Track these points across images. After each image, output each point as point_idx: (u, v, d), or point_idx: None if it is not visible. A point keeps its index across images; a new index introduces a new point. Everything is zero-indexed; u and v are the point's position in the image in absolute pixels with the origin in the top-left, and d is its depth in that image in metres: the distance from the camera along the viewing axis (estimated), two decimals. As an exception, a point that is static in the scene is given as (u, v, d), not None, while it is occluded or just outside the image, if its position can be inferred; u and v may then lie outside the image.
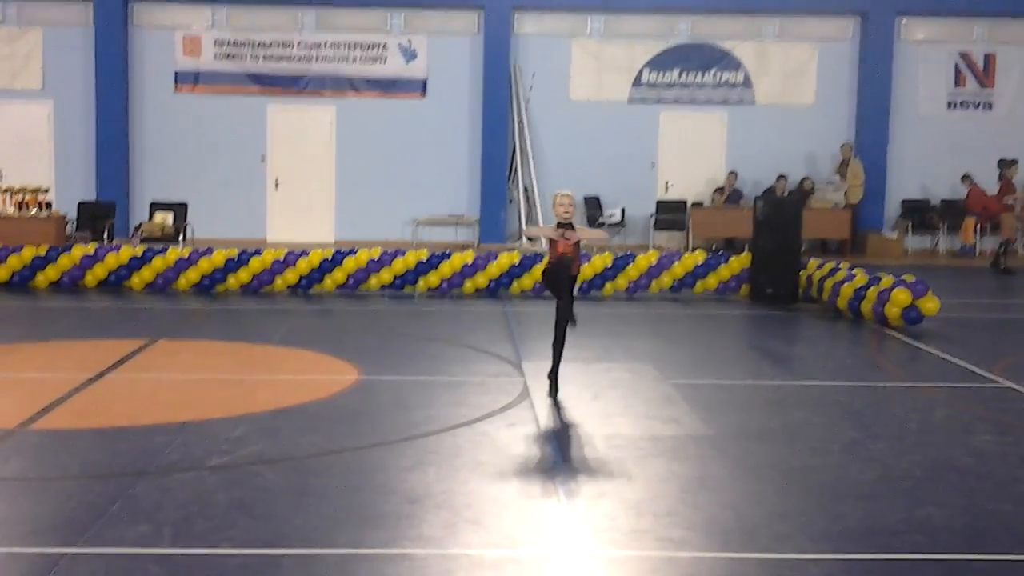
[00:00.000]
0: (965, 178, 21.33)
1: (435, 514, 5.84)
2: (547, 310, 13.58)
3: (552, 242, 8.70)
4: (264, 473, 6.54)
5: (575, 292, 9.01)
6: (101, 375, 9.27)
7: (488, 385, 9.11)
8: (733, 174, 21.71)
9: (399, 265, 14.66)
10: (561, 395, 8.63)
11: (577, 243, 8.71)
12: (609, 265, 14.79)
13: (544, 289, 9.02)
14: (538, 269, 14.64)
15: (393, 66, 22.08)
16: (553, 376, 8.72)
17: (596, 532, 5.66)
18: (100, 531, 5.49)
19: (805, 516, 5.94)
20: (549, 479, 6.51)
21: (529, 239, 20.44)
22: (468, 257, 14.84)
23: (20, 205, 17.19)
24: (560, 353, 8.68)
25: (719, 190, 21.71)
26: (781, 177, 21.45)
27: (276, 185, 22.19)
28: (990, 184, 20.91)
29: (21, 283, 14.73)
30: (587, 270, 14.48)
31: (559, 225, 8.71)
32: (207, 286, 14.64)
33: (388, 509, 5.90)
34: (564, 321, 8.58)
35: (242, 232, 21.50)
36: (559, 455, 7.01)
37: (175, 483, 6.33)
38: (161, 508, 5.84)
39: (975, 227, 21.28)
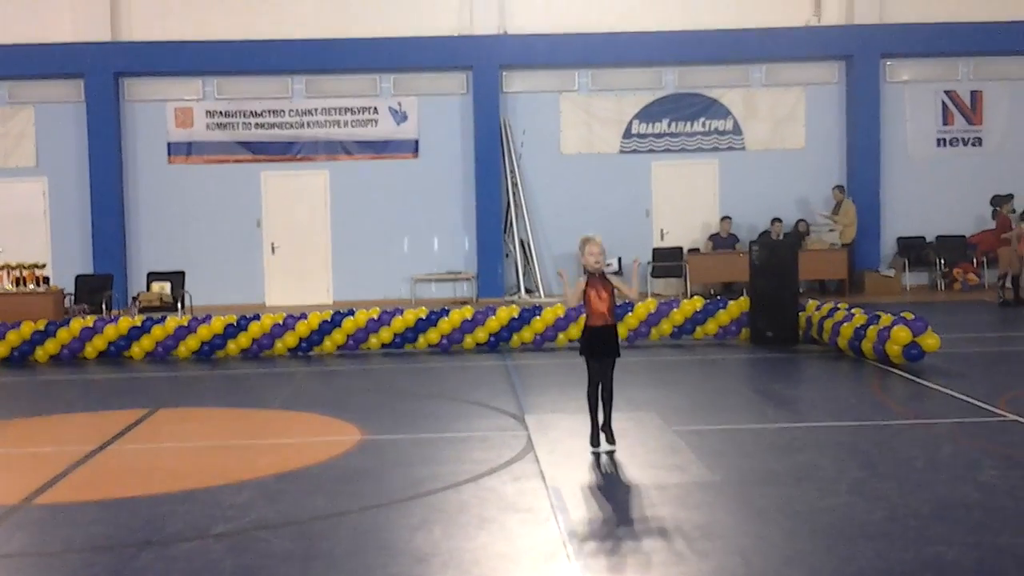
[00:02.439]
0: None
1: (443, 573, 5.79)
2: (548, 362, 13.63)
3: (587, 298, 8.33)
4: (269, 539, 6.49)
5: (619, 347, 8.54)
6: (103, 447, 9.23)
7: (492, 440, 9.07)
8: (727, 220, 21.79)
9: (398, 323, 14.66)
10: (565, 448, 8.59)
11: (612, 294, 8.37)
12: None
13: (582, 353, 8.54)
14: (538, 322, 14.67)
15: (384, 128, 22.25)
16: (606, 429, 8.50)
17: (605, 584, 5.61)
18: (105, 604, 5.45)
19: (814, 559, 5.89)
20: (556, 533, 6.46)
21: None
22: (467, 312, 14.85)
23: (18, 281, 17.21)
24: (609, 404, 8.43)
25: (712, 236, 21.77)
26: (776, 220, 21.53)
27: (272, 250, 22.26)
28: (985, 220, 20.99)
29: (21, 358, 14.72)
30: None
31: (590, 277, 8.38)
32: (207, 353, 14.63)
33: (396, 570, 5.85)
34: (606, 386, 8.37)
35: (240, 298, 21.55)
36: (565, 508, 6.96)
37: (180, 552, 6.28)
38: (166, 578, 5.80)
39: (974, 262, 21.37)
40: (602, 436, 8.45)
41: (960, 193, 22.23)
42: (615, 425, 8.54)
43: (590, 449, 8.45)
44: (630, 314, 14.82)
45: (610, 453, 8.38)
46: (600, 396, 8.43)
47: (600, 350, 8.44)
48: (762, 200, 22.11)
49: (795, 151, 22.59)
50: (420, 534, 6.47)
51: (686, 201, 22.46)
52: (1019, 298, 18.94)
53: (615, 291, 8.48)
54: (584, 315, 8.57)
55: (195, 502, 7.31)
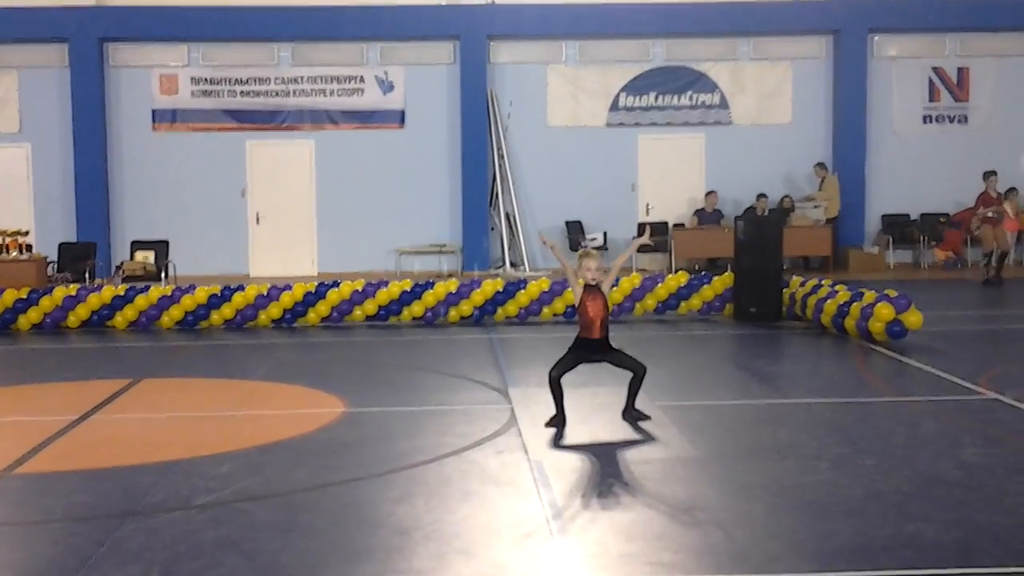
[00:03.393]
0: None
1: (425, 546, 5.80)
2: (533, 336, 13.64)
3: (582, 307, 8.43)
4: (251, 510, 6.49)
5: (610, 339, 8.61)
6: (85, 417, 9.21)
7: (475, 413, 9.08)
8: (713, 194, 21.78)
9: (383, 296, 14.63)
10: (547, 420, 8.60)
11: (606, 307, 8.46)
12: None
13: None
14: (523, 295, 14.66)
15: (371, 98, 22.14)
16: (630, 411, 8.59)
17: (587, 558, 5.63)
18: (87, 575, 5.44)
19: (795, 535, 5.93)
20: (538, 506, 6.48)
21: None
22: (452, 285, 14.83)
23: (0, 248, 17.10)
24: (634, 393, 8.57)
25: (698, 212, 21.78)
26: (761, 196, 21.54)
27: (257, 220, 22.18)
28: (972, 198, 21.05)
29: (3, 326, 14.65)
30: (570, 295, 14.45)
31: (587, 286, 8.48)
32: (191, 323, 14.59)
33: (377, 542, 5.87)
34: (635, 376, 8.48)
35: (224, 268, 21.48)
36: (547, 482, 6.98)
37: (162, 523, 6.27)
38: (148, 549, 5.79)
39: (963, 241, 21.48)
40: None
41: (946, 170, 22.27)
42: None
43: (553, 426, 8.43)
44: (615, 288, 14.82)
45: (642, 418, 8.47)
46: (630, 381, 8.51)
47: (591, 359, 8.55)
48: (748, 175, 22.11)
49: (782, 126, 22.58)
50: (402, 507, 6.48)
51: (672, 175, 22.45)
52: (999, 276, 19.00)
53: (606, 305, 8.50)
54: (578, 317, 8.60)
55: (177, 473, 7.31)
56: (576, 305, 8.54)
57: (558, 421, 8.45)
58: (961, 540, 5.80)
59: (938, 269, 21.53)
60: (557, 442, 8.07)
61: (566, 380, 8.47)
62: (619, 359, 8.57)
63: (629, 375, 8.49)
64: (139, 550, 5.77)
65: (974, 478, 6.98)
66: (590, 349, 8.53)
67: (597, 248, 21.10)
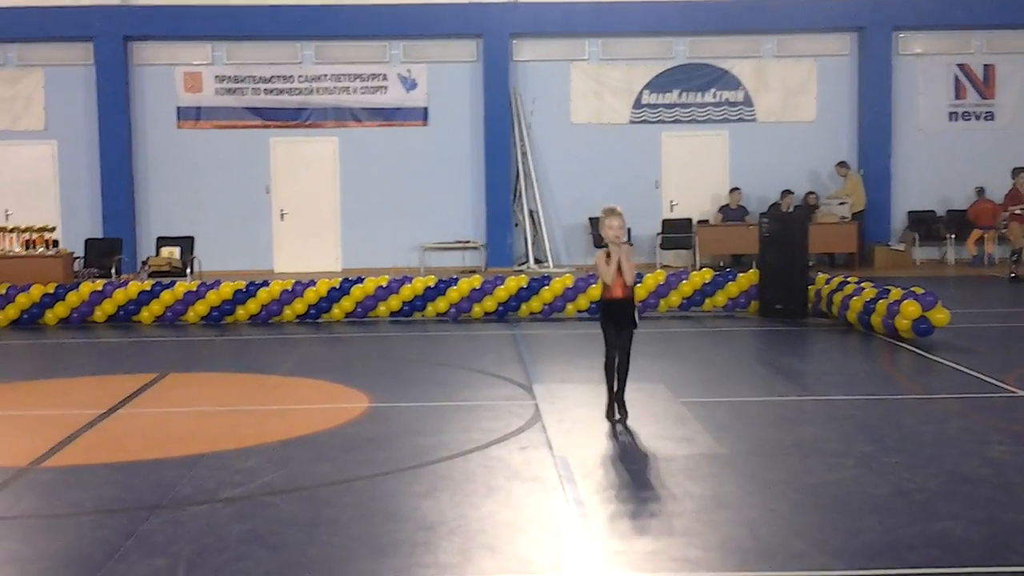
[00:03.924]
0: (980, 192, 21.43)
1: (449, 540, 5.81)
2: (556, 332, 13.63)
3: (601, 261, 8.35)
4: (277, 504, 6.52)
5: (637, 317, 8.55)
6: (112, 411, 9.26)
7: (499, 409, 9.08)
8: (737, 191, 21.72)
9: (407, 292, 14.66)
10: (572, 417, 8.60)
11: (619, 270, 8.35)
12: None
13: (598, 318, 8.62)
14: (547, 292, 14.65)
15: (394, 95, 22.18)
16: (618, 400, 8.53)
17: (612, 555, 5.63)
18: (114, 567, 5.47)
19: (821, 532, 5.90)
20: (563, 502, 6.47)
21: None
22: (476, 282, 14.84)
23: (27, 244, 17.25)
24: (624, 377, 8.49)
25: (722, 208, 21.72)
26: (787, 192, 21.46)
27: (281, 216, 22.26)
28: (1000, 194, 20.91)
29: (31, 321, 14.76)
30: (595, 291, 14.46)
31: (608, 248, 8.34)
32: (216, 318, 14.65)
33: (402, 537, 5.88)
34: (622, 359, 8.42)
35: (249, 264, 21.56)
36: (572, 478, 6.97)
37: (188, 516, 6.31)
38: (175, 542, 5.82)
39: (980, 238, 21.31)
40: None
41: (971, 167, 22.10)
42: (630, 396, 8.55)
43: (606, 420, 8.44)
44: (639, 285, 14.80)
45: (621, 422, 8.39)
46: (616, 367, 8.44)
47: (618, 320, 8.45)
48: (772, 172, 22.02)
49: (806, 123, 22.48)
50: (427, 502, 6.49)
51: (696, 172, 22.38)
52: (1017, 275, 18.79)
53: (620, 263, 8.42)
54: (601, 284, 8.55)
55: (203, 466, 7.34)
56: (615, 274, 8.34)
57: (609, 411, 8.43)
58: (989, 538, 5.76)
59: (965, 266, 21.39)
60: (582, 439, 8.06)
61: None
62: (625, 336, 8.44)
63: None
64: (166, 543, 5.81)
65: (1002, 476, 6.94)
66: (614, 310, 8.43)
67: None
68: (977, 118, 22.56)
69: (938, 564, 5.41)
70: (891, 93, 22.19)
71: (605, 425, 8.40)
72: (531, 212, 21.97)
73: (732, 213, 21.62)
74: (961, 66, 22.47)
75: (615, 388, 8.49)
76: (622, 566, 5.47)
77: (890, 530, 5.87)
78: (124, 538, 5.88)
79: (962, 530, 5.87)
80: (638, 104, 22.39)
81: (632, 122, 22.40)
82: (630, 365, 8.52)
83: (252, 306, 14.62)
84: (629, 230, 21.10)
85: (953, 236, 21.85)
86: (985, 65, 22.45)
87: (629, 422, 8.44)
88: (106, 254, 18.49)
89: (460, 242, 22.05)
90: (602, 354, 8.53)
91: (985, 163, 21.92)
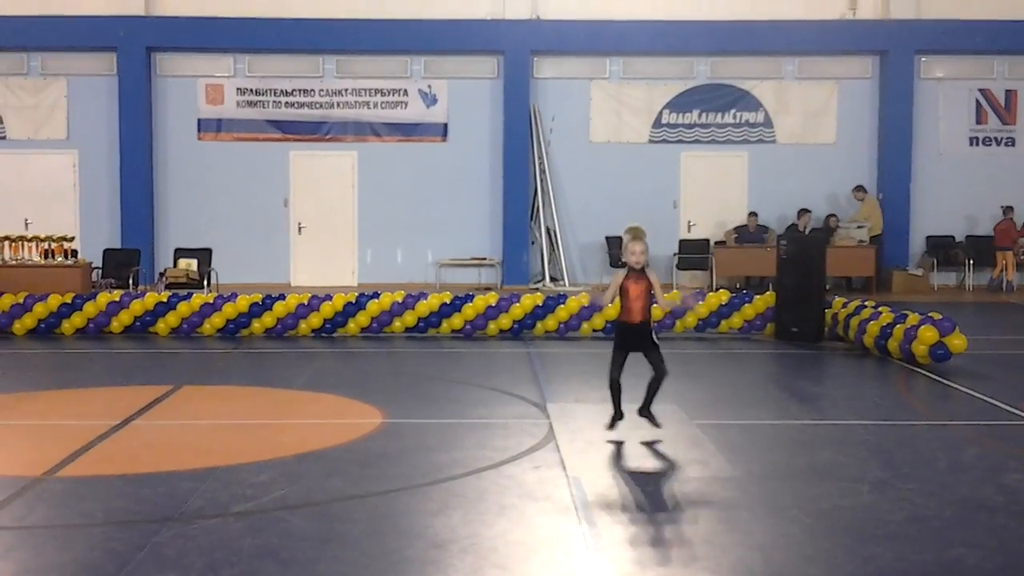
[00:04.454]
0: (1007, 210, 21.37)
1: (461, 559, 5.79)
2: (572, 351, 13.61)
3: (624, 291, 8.38)
4: (289, 519, 6.51)
5: (655, 338, 8.60)
6: (127, 422, 9.28)
7: (513, 427, 9.07)
8: (754, 216, 21.69)
9: (422, 308, 14.66)
10: (586, 437, 8.57)
11: (649, 292, 8.39)
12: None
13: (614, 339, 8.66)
14: (562, 310, 14.64)
15: (414, 111, 22.24)
16: (646, 410, 8.57)
17: (623, 576, 5.61)
18: (125, 579, 5.48)
19: (834, 558, 5.86)
20: (575, 522, 6.45)
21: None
22: (491, 299, 14.84)
23: (46, 253, 17.32)
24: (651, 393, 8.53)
25: (738, 228, 21.70)
26: (804, 211, 21.43)
27: (299, 230, 22.32)
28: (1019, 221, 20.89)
29: (47, 330, 14.81)
30: (611, 311, 14.42)
31: (629, 271, 8.38)
32: (232, 331, 14.68)
33: (413, 554, 5.86)
34: (656, 375, 8.48)
35: (266, 277, 21.62)
36: (585, 498, 6.95)
37: (200, 530, 6.31)
38: (186, 555, 5.82)
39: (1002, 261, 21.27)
40: (636, 419, 8.52)
41: (992, 193, 22.03)
42: (634, 417, 8.53)
43: (617, 438, 8.42)
44: (654, 305, 14.74)
45: (651, 442, 8.42)
46: (649, 381, 8.51)
47: (633, 346, 8.49)
48: (792, 194, 22.00)
49: (826, 146, 22.45)
50: (439, 519, 6.48)
51: (714, 193, 22.37)
52: None
53: (651, 289, 8.43)
54: (618, 306, 8.56)
55: (216, 480, 7.34)
56: (615, 297, 8.45)
57: (616, 419, 8.48)
58: (1004, 567, 5.71)
59: (983, 292, 21.29)
60: (595, 458, 8.03)
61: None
62: (653, 355, 8.48)
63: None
64: (177, 556, 5.81)
65: (1017, 504, 6.88)
66: (630, 335, 8.46)
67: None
68: (998, 143, 22.50)
69: (952, 593, 5.36)
70: (912, 117, 22.14)
71: (619, 445, 8.37)
72: (548, 230, 21.98)
73: (748, 235, 21.57)
74: (983, 91, 22.42)
75: (645, 401, 8.53)
76: (633, 589, 5.45)
77: (903, 557, 5.83)
78: (136, 550, 5.88)
79: (976, 559, 5.83)
80: (658, 123, 22.40)
81: (651, 141, 22.42)
82: (663, 378, 8.53)
83: (268, 319, 14.65)
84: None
85: (972, 262, 21.75)
86: (1007, 90, 22.40)
87: (642, 443, 8.41)
88: (124, 265, 18.56)
89: (476, 259, 22.07)
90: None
91: (1005, 189, 21.87)
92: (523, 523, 6.45)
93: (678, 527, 6.39)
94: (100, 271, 18.39)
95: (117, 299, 14.89)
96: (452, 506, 6.75)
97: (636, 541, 6.15)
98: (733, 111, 22.43)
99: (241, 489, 7.10)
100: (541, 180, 22.08)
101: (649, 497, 7.05)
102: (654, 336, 8.55)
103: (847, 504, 6.88)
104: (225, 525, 6.39)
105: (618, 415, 8.52)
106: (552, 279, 21.72)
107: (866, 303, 14.01)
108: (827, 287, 15.71)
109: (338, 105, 22.26)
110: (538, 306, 14.75)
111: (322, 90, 22.23)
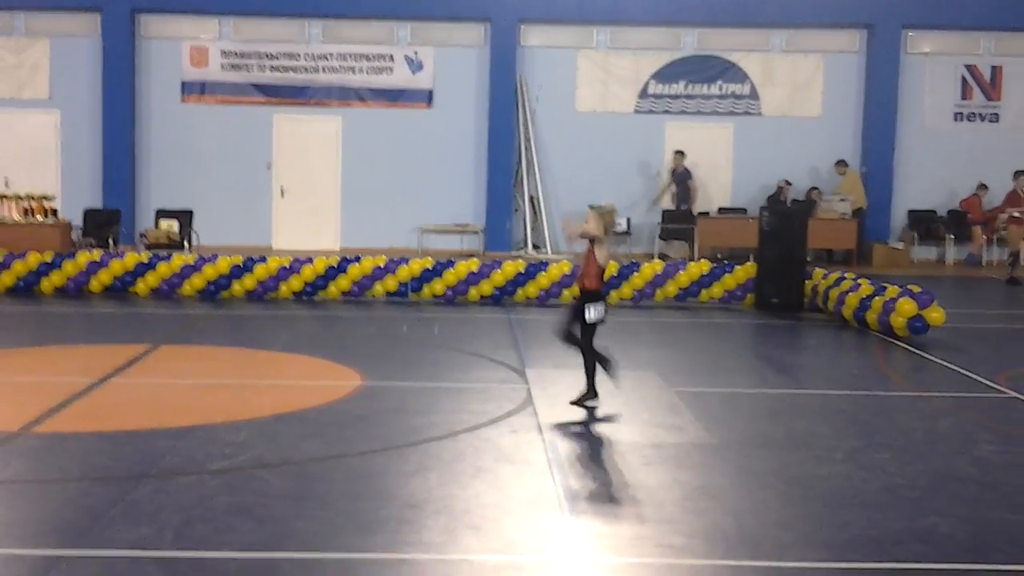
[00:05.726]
0: (981, 187, 21.47)
1: (435, 519, 5.82)
2: (551, 318, 13.51)
3: (588, 259, 8.49)
4: (265, 477, 6.52)
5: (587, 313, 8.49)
6: (105, 380, 9.26)
7: (491, 392, 9.09)
8: (680, 154, 21.58)
9: (404, 272, 14.65)
10: (564, 402, 8.57)
11: (590, 258, 8.48)
12: (615, 274, 14.76)
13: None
14: (543, 277, 14.65)
15: (399, 77, 22.11)
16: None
17: (597, 538, 5.64)
18: (100, 533, 5.48)
19: (808, 524, 5.91)
20: (551, 485, 6.48)
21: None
22: (473, 265, 14.83)
23: (26, 212, 17.24)
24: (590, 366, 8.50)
25: (672, 171, 21.75)
26: (785, 182, 21.46)
27: (282, 193, 22.22)
28: (1001, 196, 20.92)
29: (26, 288, 14.75)
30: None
31: (593, 241, 8.48)
32: (212, 292, 14.64)
33: (388, 514, 5.88)
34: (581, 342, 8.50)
35: (247, 239, 21.52)
36: (561, 462, 6.98)
37: (176, 487, 6.31)
38: (162, 511, 5.83)
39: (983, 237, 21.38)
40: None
41: (974, 168, 22.07)
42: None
43: (597, 405, 8.43)
44: (636, 274, 14.81)
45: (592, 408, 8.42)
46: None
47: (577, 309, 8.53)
48: (775, 166, 21.99)
49: (811, 119, 22.43)
50: (415, 480, 6.50)
51: (699, 164, 22.32)
52: (1014, 277, 18.75)
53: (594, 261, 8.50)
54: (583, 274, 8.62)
55: (194, 438, 7.35)
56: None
57: (612, 373, 8.48)
58: (975, 536, 5.77)
59: (963, 267, 21.38)
60: (572, 424, 8.06)
61: (583, 362, 8.42)
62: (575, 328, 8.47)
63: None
64: (153, 512, 5.81)
65: (990, 475, 6.95)
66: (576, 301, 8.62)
67: (621, 233, 21.14)
68: (982, 119, 22.52)
69: (923, 560, 5.42)
70: (897, 91, 22.14)
71: (597, 411, 8.40)
72: (531, 198, 21.94)
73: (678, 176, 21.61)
74: (968, 67, 22.41)
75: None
76: (606, 550, 5.48)
77: (876, 524, 5.88)
78: (111, 506, 5.89)
79: (948, 527, 5.88)
80: (644, 94, 22.34)
81: (637, 112, 22.36)
82: (589, 358, 8.47)
83: (248, 281, 14.61)
84: (628, 219, 21.21)
85: (953, 236, 21.83)
86: (992, 66, 22.40)
87: (621, 409, 8.44)
88: (104, 225, 18.49)
89: (459, 225, 22.03)
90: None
91: (988, 164, 21.90)
92: (498, 485, 6.47)
93: (654, 492, 6.42)
94: (80, 231, 18.31)
95: (97, 259, 14.82)
96: (428, 467, 6.77)
97: (610, 504, 6.19)
98: (719, 82, 22.38)
99: (218, 448, 7.11)
100: (526, 148, 22.01)
101: (625, 462, 7.08)
102: (587, 311, 8.44)
103: (823, 472, 6.93)
104: (201, 482, 6.40)
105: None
106: (535, 247, 21.70)
107: (846, 275, 14.06)
108: (808, 259, 15.75)
109: (323, 70, 22.11)
110: (520, 273, 14.76)
111: (307, 54, 22.08)
